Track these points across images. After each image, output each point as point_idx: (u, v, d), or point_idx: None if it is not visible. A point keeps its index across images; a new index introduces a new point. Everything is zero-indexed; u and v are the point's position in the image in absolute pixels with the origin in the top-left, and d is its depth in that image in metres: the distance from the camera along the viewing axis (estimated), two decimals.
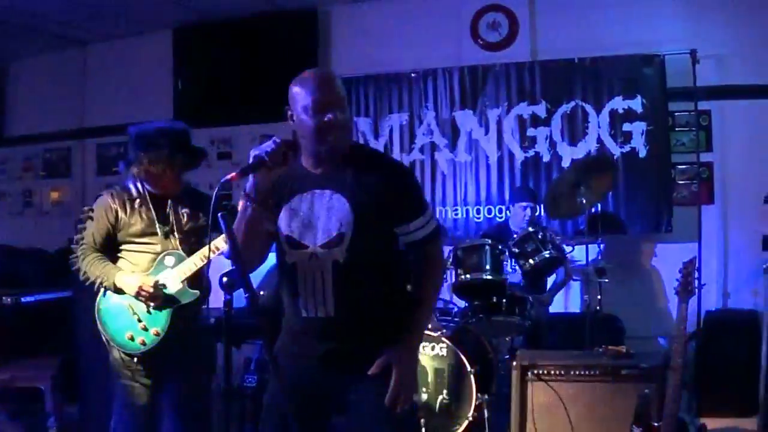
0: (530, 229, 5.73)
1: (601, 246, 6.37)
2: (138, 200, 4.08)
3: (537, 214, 6.46)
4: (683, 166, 7.03)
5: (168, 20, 8.02)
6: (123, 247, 4.10)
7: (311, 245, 2.89)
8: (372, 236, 2.89)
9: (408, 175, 3.12)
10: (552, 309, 6.48)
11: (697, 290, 4.18)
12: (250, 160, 2.73)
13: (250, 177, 2.78)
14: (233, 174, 2.67)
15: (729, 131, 7.02)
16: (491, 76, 7.15)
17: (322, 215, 2.88)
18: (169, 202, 4.14)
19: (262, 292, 5.69)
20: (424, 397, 5.22)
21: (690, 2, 7.11)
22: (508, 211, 6.83)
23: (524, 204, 6.25)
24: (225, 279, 2.66)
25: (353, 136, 2.98)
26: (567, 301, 6.98)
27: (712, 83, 6.98)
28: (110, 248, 4.11)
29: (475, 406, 5.13)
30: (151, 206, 4.09)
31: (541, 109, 7.03)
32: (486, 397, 5.21)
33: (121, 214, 4.04)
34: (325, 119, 2.74)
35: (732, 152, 7.00)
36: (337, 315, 2.89)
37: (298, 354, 3.02)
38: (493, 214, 7.07)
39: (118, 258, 4.11)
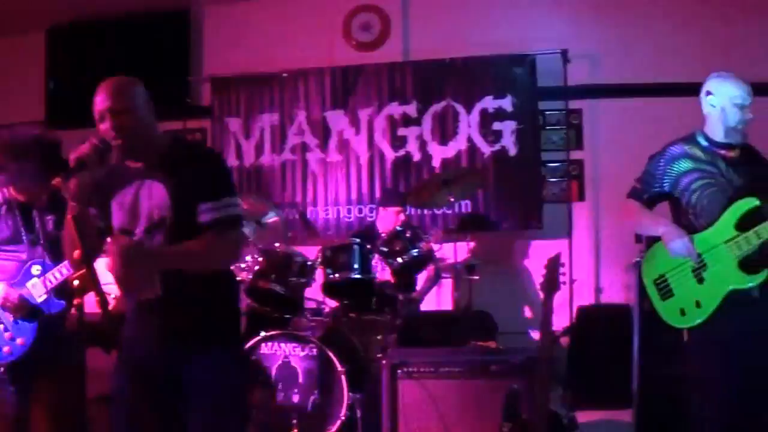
0: (398, 228, 5.72)
1: (471, 243, 6.37)
2: (4, 207, 3.98)
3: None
4: (554, 164, 7.13)
5: (40, 20, 7.84)
6: None
7: (138, 232, 3.05)
8: (191, 219, 3.00)
9: (213, 159, 3.25)
10: (424, 307, 6.47)
11: (562, 285, 4.22)
12: (71, 164, 2.85)
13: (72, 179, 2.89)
14: (57, 179, 2.91)
15: (599, 129, 7.17)
16: (363, 76, 7.15)
17: (145, 203, 3.05)
18: (35, 210, 4.03)
19: (112, 296, 5.58)
20: (296, 398, 5.16)
21: (561, 3, 7.25)
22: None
23: (392, 208, 6.24)
24: (76, 283, 2.65)
25: (144, 130, 3.09)
26: (439, 298, 6.97)
27: (583, 82, 7.10)
28: None
29: (348, 405, 5.08)
30: (17, 213, 3.98)
31: (411, 109, 7.06)
32: (358, 396, 5.18)
33: None
34: (101, 128, 3.01)
35: (602, 150, 7.14)
36: (165, 294, 2.98)
37: (135, 337, 3.11)
38: (363, 213, 7.04)
39: None
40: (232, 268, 3.45)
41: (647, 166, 3.98)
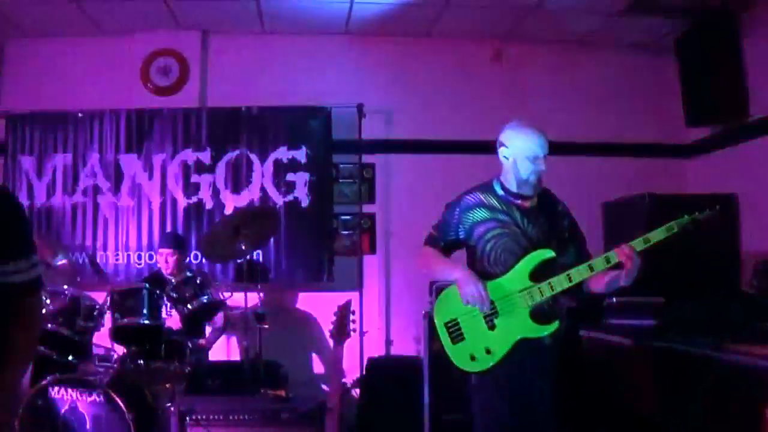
0: (188, 274, 5.71)
1: (261, 293, 6.40)
2: None
3: (186, 261, 6.51)
4: (346, 217, 7.27)
5: None
6: None
7: None
8: None
9: (14, 209, 2.70)
10: (214, 355, 6.45)
11: (352, 332, 4.37)
12: None
13: None
14: None
15: (392, 183, 7.38)
16: (158, 120, 7.06)
17: None
18: None
19: None
20: None
21: (358, 59, 7.43)
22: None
23: (164, 250, 6.26)
24: None
25: None
26: (229, 347, 6.98)
27: (377, 137, 7.30)
28: None
29: None
30: None
31: (206, 156, 7.03)
32: None
33: None
34: None
35: (394, 203, 7.35)
36: None
37: None
38: (154, 259, 6.87)
39: None
40: None
41: (443, 214, 4.03)
